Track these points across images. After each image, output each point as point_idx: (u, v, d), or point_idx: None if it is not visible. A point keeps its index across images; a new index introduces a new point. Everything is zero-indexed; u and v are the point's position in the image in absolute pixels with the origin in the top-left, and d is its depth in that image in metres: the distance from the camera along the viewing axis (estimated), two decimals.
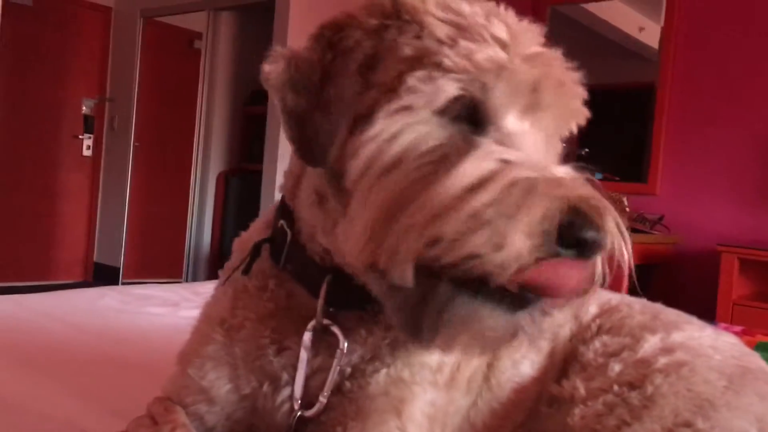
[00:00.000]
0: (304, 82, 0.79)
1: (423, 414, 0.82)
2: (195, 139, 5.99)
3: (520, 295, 0.65)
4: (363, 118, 0.75)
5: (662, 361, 0.91)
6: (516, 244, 0.62)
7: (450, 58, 0.73)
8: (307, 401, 0.82)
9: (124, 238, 6.02)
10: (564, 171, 0.69)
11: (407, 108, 0.73)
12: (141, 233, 6.18)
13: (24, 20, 5.63)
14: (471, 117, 0.73)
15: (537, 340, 0.71)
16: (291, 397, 0.82)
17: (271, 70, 0.80)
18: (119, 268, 6.00)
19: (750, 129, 3.56)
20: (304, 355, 0.81)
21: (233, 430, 0.88)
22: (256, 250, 0.88)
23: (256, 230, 0.93)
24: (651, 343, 0.95)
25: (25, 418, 1.04)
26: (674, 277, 3.72)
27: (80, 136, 6.16)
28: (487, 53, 0.73)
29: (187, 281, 5.74)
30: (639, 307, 1.06)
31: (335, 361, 0.80)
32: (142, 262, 6.17)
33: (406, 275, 0.66)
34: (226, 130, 6.14)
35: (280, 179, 0.91)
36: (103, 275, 6.06)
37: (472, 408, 0.93)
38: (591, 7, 4.09)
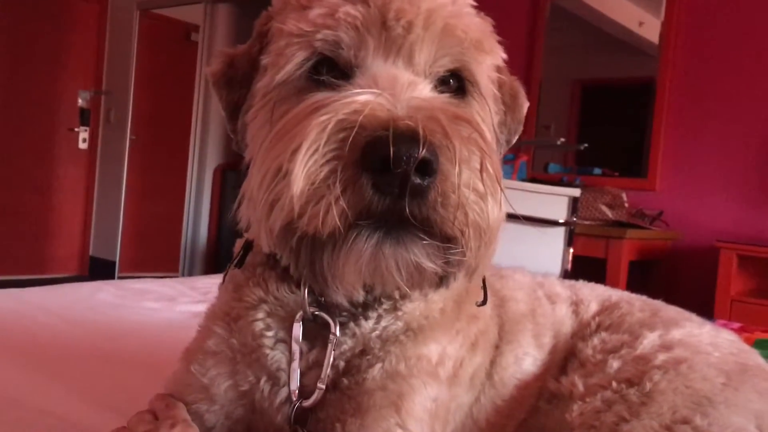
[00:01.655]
0: (238, 77, 0.82)
1: (424, 409, 0.81)
2: (192, 133, 5.98)
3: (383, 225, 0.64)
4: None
5: (661, 357, 0.90)
6: (294, 178, 0.62)
7: (294, 24, 0.74)
8: (306, 395, 0.81)
9: (120, 231, 6.00)
10: (406, 100, 0.65)
11: (269, 84, 0.76)
12: (137, 227, 6.17)
13: (19, 12, 5.61)
14: (338, 71, 0.74)
15: (444, 271, 0.68)
16: (289, 394, 0.82)
17: (213, 70, 0.84)
18: (115, 262, 5.99)
19: (750, 124, 3.56)
20: (295, 347, 0.81)
21: (233, 430, 0.88)
22: (248, 244, 0.89)
23: None
24: (650, 340, 0.95)
25: (22, 413, 1.04)
26: (673, 273, 3.72)
27: (76, 129, 6.13)
28: (320, 10, 0.74)
29: (183, 275, 5.73)
30: (639, 304, 1.06)
31: (329, 346, 0.80)
32: (138, 256, 6.16)
33: (272, 239, 0.68)
34: (223, 123, 6.10)
35: None
36: (99, 269, 6.05)
37: (475, 405, 0.93)
38: (591, 1, 4.07)
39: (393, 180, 0.60)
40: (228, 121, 0.86)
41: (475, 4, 0.83)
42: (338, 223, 0.62)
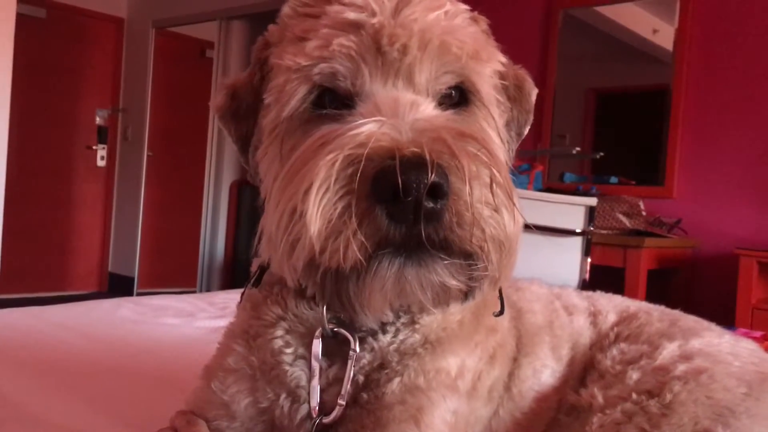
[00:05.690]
0: (243, 108, 0.83)
1: (443, 422, 0.81)
2: (208, 148, 6.03)
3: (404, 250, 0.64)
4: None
5: (681, 368, 0.89)
6: (309, 219, 0.62)
7: (291, 58, 0.75)
8: (326, 411, 0.81)
9: (138, 247, 6.05)
10: (409, 124, 0.66)
11: (275, 120, 0.77)
12: (155, 243, 6.21)
13: (37, 32, 5.69)
14: (340, 101, 0.75)
15: (468, 288, 0.69)
16: (309, 411, 0.82)
17: (217, 104, 0.84)
18: (134, 278, 6.04)
19: (766, 130, 3.53)
20: (315, 364, 0.82)
21: None
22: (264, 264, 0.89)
23: None
24: (669, 350, 0.94)
25: (43, 429, 1.04)
26: (693, 282, 3.68)
27: (94, 147, 6.21)
28: (315, 43, 0.74)
29: (201, 290, 5.76)
30: (657, 315, 1.05)
31: (349, 362, 0.81)
32: (156, 272, 6.20)
33: (296, 276, 0.69)
34: None
35: None
36: (118, 285, 6.10)
37: (494, 418, 0.93)
38: (604, 10, 4.07)
39: (406, 208, 0.61)
40: (240, 153, 0.86)
41: (468, 8, 0.82)
42: (359, 255, 0.63)
